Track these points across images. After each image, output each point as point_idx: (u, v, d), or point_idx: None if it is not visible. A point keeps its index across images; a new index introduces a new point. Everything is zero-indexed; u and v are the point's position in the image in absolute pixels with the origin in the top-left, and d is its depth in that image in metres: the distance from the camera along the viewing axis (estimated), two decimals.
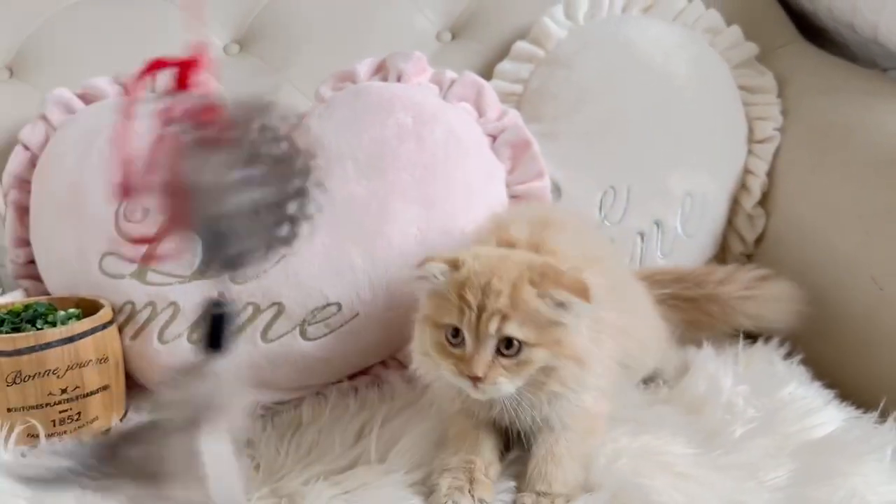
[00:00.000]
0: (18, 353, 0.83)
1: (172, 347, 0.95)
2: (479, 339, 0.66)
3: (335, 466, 0.76)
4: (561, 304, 0.65)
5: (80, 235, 0.98)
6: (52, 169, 1.03)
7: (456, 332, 0.67)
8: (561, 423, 0.70)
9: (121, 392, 0.93)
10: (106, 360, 0.90)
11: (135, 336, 0.96)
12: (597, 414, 0.73)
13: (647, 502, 0.66)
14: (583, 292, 0.65)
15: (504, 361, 0.65)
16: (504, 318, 0.65)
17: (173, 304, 0.95)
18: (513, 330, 0.65)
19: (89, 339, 0.88)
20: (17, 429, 0.83)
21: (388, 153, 0.95)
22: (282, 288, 0.93)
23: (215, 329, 0.49)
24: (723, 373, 0.85)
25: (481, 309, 0.65)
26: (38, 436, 0.84)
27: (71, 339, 0.86)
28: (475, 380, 0.66)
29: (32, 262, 1.06)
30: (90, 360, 0.88)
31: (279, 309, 0.94)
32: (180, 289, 0.94)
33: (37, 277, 1.06)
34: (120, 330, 0.95)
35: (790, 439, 0.75)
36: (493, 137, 1.00)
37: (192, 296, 0.94)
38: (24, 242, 1.06)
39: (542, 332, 0.66)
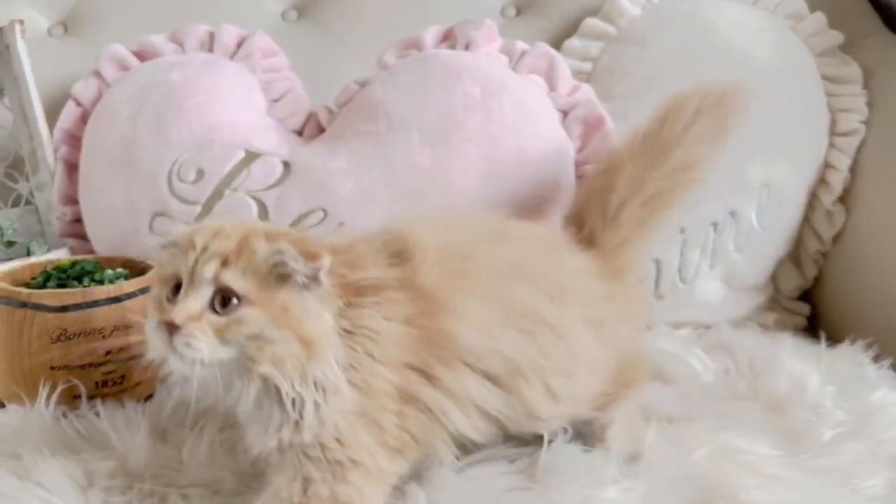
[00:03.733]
0: (65, 309, 0.80)
1: None
2: (192, 286, 0.56)
3: None
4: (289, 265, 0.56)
5: (131, 194, 0.95)
6: (105, 125, 0.99)
7: (177, 288, 0.58)
8: (284, 450, 0.59)
9: None
10: None
11: None
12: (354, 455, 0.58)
13: (735, 501, 0.60)
14: (312, 256, 0.55)
15: (214, 318, 0.56)
16: (225, 262, 0.56)
17: None
18: (232, 279, 0.56)
19: (137, 300, 0.84)
20: (60, 387, 0.80)
21: (455, 123, 0.91)
22: None
23: None
24: (807, 372, 0.80)
25: (203, 250, 0.57)
26: (80, 396, 0.81)
27: (118, 299, 0.82)
28: (171, 328, 0.55)
29: (79, 220, 1.04)
30: (137, 323, 0.84)
31: None
32: None
33: (83, 237, 1.03)
34: None
35: (884, 446, 0.69)
36: (564, 113, 0.95)
37: None
38: (72, 200, 1.04)
39: (267, 292, 0.56)
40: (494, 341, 0.61)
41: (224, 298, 0.56)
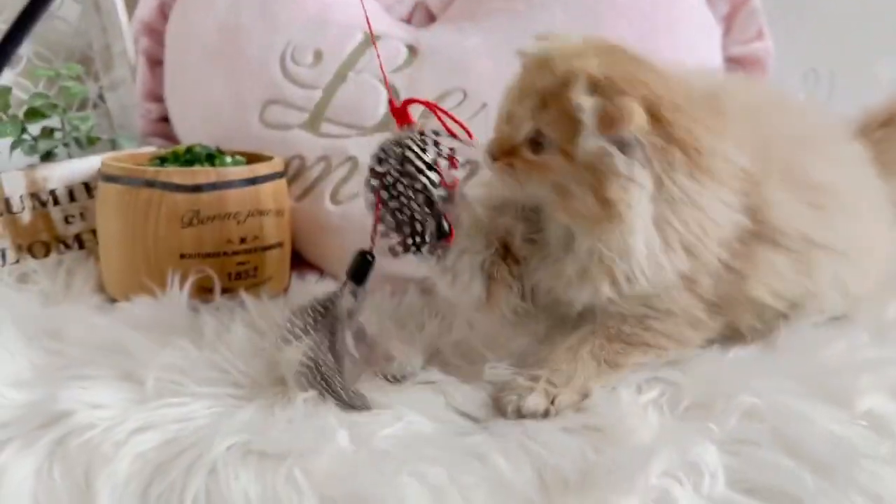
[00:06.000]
0: (198, 189, 0.71)
1: (347, 209, 0.83)
2: (515, 117, 0.55)
3: None
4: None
5: (237, 83, 0.86)
6: (198, 13, 0.90)
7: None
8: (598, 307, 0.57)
9: (288, 256, 0.81)
10: (282, 213, 0.78)
11: (302, 196, 0.84)
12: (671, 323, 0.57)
13: None
14: (614, 120, 0.50)
15: (526, 156, 0.54)
16: (543, 103, 0.53)
17: (351, 159, 0.82)
18: (545, 122, 0.53)
19: (269, 185, 0.76)
20: (191, 278, 0.71)
21: None
22: None
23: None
24: None
25: (529, 83, 0.55)
26: (212, 289, 0.72)
27: (254, 181, 0.74)
28: (490, 156, 0.56)
29: (165, 119, 0.94)
30: (270, 210, 0.75)
31: None
32: (360, 141, 0.82)
33: (168, 136, 0.94)
34: None
35: None
36: None
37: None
38: (156, 97, 0.94)
39: (577, 148, 0.52)
40: (796, 219, 0.58)
41: (539, 139, 0.54)
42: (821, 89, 0.98)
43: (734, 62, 0.88)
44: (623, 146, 0.51)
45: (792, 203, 0.58)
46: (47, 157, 0.85)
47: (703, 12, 0.87)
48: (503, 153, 0.55)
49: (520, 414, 0.53)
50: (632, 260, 0.53)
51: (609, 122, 0.50)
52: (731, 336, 0.61)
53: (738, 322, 0.60)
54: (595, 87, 0.51)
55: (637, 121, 0.50)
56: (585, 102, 0.51)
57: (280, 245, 0.77)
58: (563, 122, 0.52)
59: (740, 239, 0.56)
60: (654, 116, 0.51)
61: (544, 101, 0.53)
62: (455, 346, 0.65)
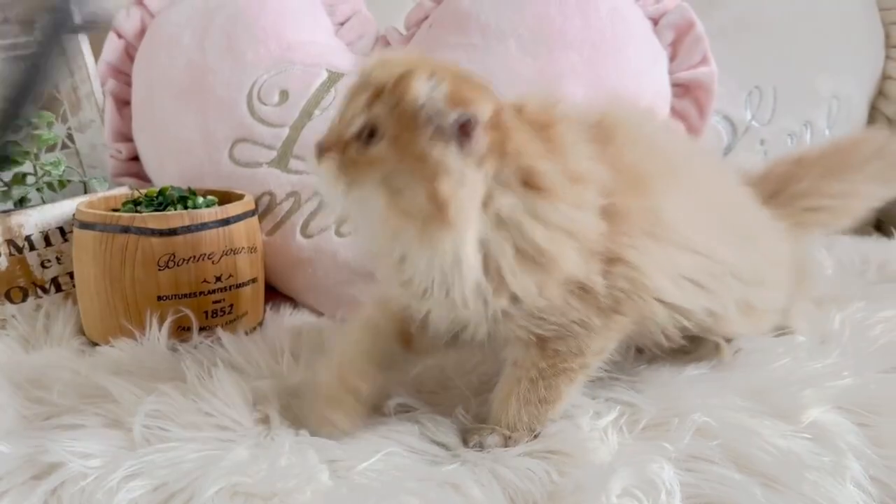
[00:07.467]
0: (173, 233, 0.73)
1: (317, 241, 0.86)
2: (346, 118, 0.52)
3: None
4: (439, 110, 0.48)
5: (206, 121, 0.88)
6: (164, 53, 0.92)
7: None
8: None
9: (262, 290, 0.83)
10: (255, 250, 0.80)
11: (273, 231, 0.86)
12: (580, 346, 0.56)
13: None
14: (461, 101, 0.47)
15: (356, 147, 0.51)
16: (377, 94, 0.50)
17: (319, 193, 0.85)
18: (378, 113, 0.50)
19: (242, 224, 0.78)
20: (169, 319, 0.73)
21: (554, 30, 0.87)
22: None
23: None
24: None
25: (364, 78, 0.52)
26: (190, 329, 0.74)
27: (227, 222, 0.76)
28: (318, 150, 0.53)
29: (135, 158, 0.96)
30: (243, 248, 0.78)
31: None
32: None
33: (139, 175, 0.96)
34: None
35: None
36: (655, 21, 0.93)
37: None
38: (125, 137, 0.96)
39: (411, 134, 0.49)
40: (694, 226, 0.58)
41: (371, 132, 0.50)
42: (765, 106, 1.02)
43: (681, 87, 0.93)
44: (462, 136, 0.48)
45: (691, 214, 0.57)
46: (21, 202, 0.87)
47: (650, 40, 0.91)
48: (331, 147, 0.52)
49: (482, 448, 0.57)
50: (462, 275, 0.50)
51: (458, 99, 0.48)
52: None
53: (642, 331, 0.59)
54: (436, 78, 0.49)
55: (485, 103, 0.48)
56: (427, 86, 0.48)
57: (254, 281, 0.80)
58: (398, 113, 0.49)
59: (628, 233, 0.54)
60: (494, 120, 0.50)
61: (378, 93, 0.50)
62: (426, 372, 0.69)
